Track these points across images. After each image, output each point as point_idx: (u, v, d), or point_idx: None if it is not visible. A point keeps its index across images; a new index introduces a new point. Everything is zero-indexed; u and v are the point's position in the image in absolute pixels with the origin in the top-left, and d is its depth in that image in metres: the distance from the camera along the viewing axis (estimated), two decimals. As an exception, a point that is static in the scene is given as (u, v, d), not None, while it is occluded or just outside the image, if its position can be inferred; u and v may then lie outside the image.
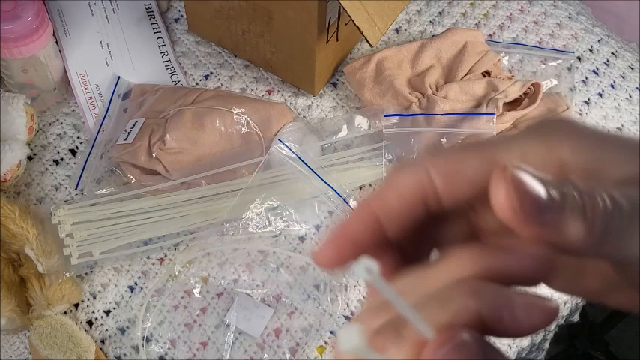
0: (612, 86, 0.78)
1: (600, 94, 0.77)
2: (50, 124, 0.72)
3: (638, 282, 0.23)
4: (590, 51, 0.80)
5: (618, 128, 0.75)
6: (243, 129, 0.68)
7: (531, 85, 0.69)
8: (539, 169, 0.21)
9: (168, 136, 0.65)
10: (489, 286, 0.21)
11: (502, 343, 0.62)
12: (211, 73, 0.76)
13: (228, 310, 0.62)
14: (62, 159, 0.70)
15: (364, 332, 0.19)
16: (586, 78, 0.78)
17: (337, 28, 0.69)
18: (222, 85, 0.75)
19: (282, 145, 0.66)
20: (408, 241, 0.25)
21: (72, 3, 0.76)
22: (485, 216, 0.25)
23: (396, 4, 0.66)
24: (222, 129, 0.67)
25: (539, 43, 0.80)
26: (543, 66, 0.77)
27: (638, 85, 0.78)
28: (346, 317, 0.62)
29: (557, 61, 0.77)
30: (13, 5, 0.64)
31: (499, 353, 0.21)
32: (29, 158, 0.69)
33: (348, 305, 0.63)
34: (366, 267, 0.19)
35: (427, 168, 0.24)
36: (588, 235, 0.21)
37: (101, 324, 0.62)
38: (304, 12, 0.63)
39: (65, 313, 0.62)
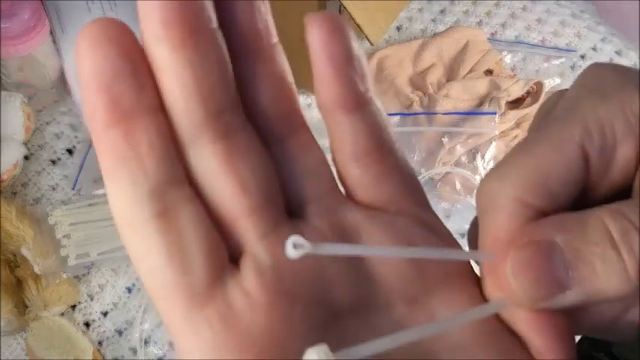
0: (616, 85, 0.77)
1: (604, 93, 0.77)
2: (47, 124, 0.71)
3: None
4: (594, 49, 0.79)
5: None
6: (242, 128, 0.67)
7: (534, 84, 0.69)
8: (621, 138, 0.20)
9: (166, 135, 0.65)
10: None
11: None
12: (210, 71, 0.75)
13: (227, 311, 0.62)
14: (59, 158, 0.70)
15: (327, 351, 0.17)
16: (589, 77, 0.77)
17: (338, 26, 0.69)
18: (221, 83, 0.74)
19: (281, 145, 0.65)
20: None
21: (69, 1, 0.76)
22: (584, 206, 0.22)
23: (397, 3, 0.66)
24: (221, 128, 0.67)
25: (542, 42, 0.79)
26: (546, 64, 0.77)
27: (642, 84, 0.77)
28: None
29: (561, 60, 0.77)
30: (9, 3, 0.64)
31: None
32: (26, 158, 0.69)
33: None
34: (298, 246, 0.17)
35: (511, 200, 0.20)
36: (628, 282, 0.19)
37: (98, 326, 0.62)
38: (304, 10, 0.63)
39: (62, 314, 0.61)
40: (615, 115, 0.20)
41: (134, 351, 0.61)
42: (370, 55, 0.71)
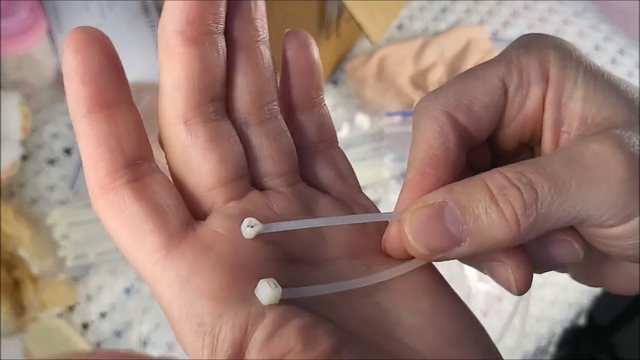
0: (618, 84, 0.77)
1: (606, 92, 0.76)
2: (45, 123, 0.71)
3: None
4: (596, 48, 0.79)
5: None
6: (242, 128, 0.67)
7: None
8: (534, 80, 0.24)
9: (165, 135, 0.64)
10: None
11: (505, 345, 0.61)
12: (210, 70, 0.75)
13: (226, 313, 0.61)
14: (57, 158, 0.69)
15: (275, 284, 0.21)
16: (592, 76, 0.77)
17: (338, 25, 0.68)
18: (220, 82, 0.74)
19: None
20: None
21: (67, 0, 0.75)
22: (504, 139, 0.26)
23: (398, 2, 0.65)
24: (221, 128, 0.66)
25: (544, 40, 0.79)
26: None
27: (644, 83, 0.77)
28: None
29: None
30: (7, 2, 0.63)
31: None
32: (23, 158, 0.68)
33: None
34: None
35: (442, 112, 0.24)
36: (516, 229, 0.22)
37: (97, 327, 0.61)
38: (304, 8, 0.63)
39: (61, 315, 0.61)
40: (533, 62, 0.24)
41: (133, 353, 0.60)
42: (371, 54, 0.71)
